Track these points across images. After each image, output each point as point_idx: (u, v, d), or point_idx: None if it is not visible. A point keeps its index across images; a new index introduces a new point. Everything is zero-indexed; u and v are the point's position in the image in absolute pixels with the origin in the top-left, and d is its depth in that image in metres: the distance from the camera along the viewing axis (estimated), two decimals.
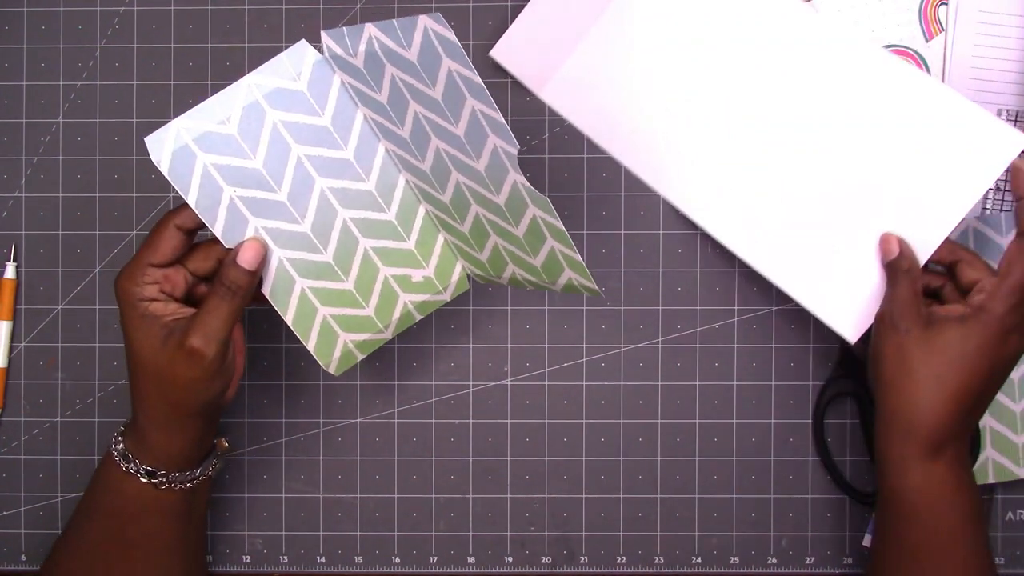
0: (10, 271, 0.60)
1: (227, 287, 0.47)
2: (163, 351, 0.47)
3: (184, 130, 0.47)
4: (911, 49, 0.58)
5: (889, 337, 0.50)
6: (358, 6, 0.60)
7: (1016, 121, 0.57)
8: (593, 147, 0.60)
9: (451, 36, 0.44)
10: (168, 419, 0.49)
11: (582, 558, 0.60)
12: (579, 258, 0.49)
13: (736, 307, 0.60)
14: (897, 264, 0.52)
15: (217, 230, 0.48)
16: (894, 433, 0.50)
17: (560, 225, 0.48)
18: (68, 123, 0.61)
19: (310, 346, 0.52)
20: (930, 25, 0.58)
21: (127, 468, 0.50)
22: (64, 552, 0.52)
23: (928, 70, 0.58)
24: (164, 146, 0.47)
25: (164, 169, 0.47)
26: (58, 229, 0.61)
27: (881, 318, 0.52)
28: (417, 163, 0.51)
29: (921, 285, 0.51)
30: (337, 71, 0.49)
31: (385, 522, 0.60)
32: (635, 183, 0.60)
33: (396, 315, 0.54)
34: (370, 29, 0.46)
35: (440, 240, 0.54)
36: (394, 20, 0.45)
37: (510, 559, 0.60)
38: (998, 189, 0.57)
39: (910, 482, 0.49)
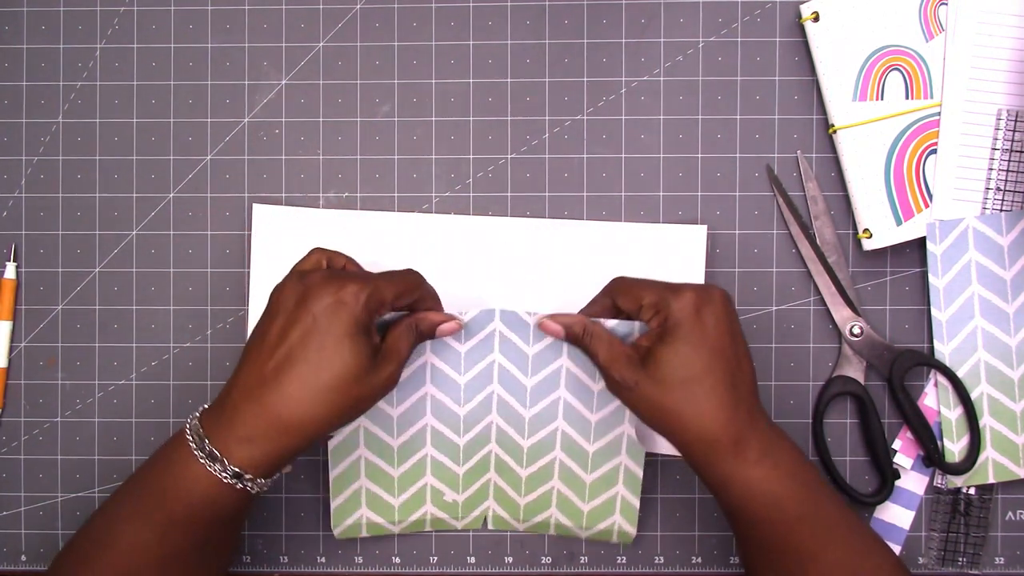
0: (10, 271, 0.60)
1: (419, 334, 0.52)
2: (369, 375, 0.49)
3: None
4: (911, 49, 0.58)
5: (630, 399, 0.50)
6: (358, 6, 0.60)
7: (1016, 121, 0.57)
8: (593, 147, 0.60)
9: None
10: (314, 434, 0.48)
11: (582, 558, 0.60)
12: (637, 504, 0.58)
13: (736, 307, 0.59)
14: (574, 339, 0.53)
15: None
16: (698, 462, 0.50)
17: (640, 473, 0.57)
18: (68, 123, 0.61)
19: (334, 504, 0.58)
20: (930, 25, 0.58)
21: (215, 470, 0.47)
22: (112, 552, 0.48)
23: (928, 70, 0.58)
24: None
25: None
26: (58, 229, 0.61)
27: (613, 388, 0.51)
28: (521, 410, 0.57)
29: (613, 338, 0.51)
30: (500, 328, 0.56)
31: None
32: (635, 183, 0.60)
33: (413, 518, 0.59)
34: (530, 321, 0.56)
35: (485, 478, 0.58)
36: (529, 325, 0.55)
37: (510, 559, 0.60)
38: (998, 189, 0.57)
39: (736, 492, 0.49)
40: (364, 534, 0.59)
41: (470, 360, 0.56)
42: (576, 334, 0.52)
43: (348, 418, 0.49)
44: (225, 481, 0.48)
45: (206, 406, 0.50)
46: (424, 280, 0.53)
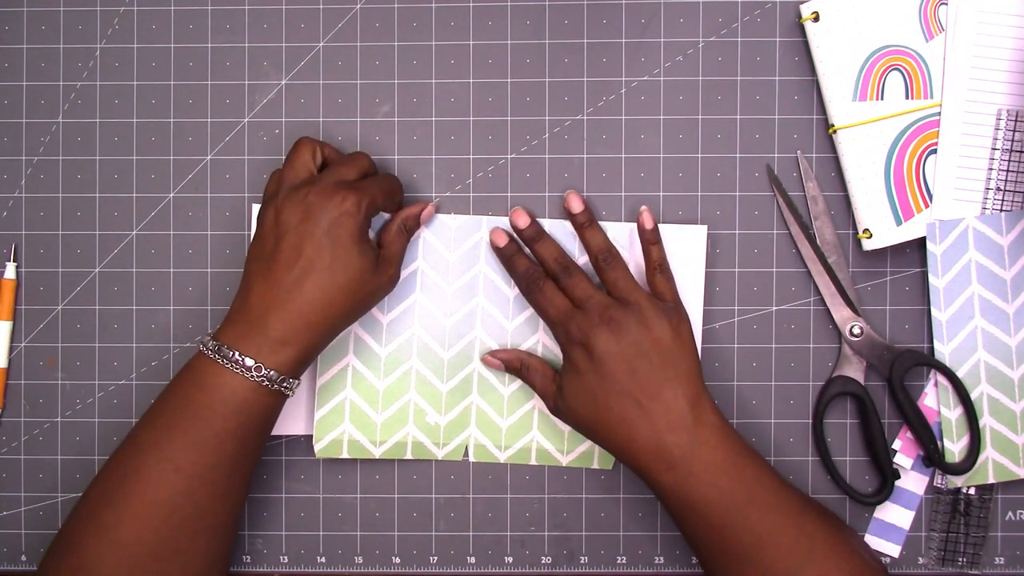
0: (10, 271, 0.60)
1: (407, 230, 0.57)
2: (375, 275, 0.53)
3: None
4: (911, 49, 0.58)
5: (565, 422, 0.56)
6: (358, 6, 0.60)
7: (1016, 121, 0.57)
8: (593, 147, 0.60)
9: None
10: (333, 331, 0.53)
11: (582, 558, 0.60)
12: None
13: (736, 307, 0.60)
14: (514, 372, 0.58)
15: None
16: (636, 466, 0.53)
17: None
18: (68, 123, 0.61)
19: (318, 415, 0.59)
20: (930, 25, 0.58)
21: (251, 375, 0.50)
22: (139, 481, 0.50)
23: (928, 70, 0.58)
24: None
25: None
26: (58, 229, 0.61)
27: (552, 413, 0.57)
28: (504, 322, 0.59)
29: (547, 369, 0.56)
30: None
31: (385, 522, 0.60)
32: (635, 183, 0.60)
33: (394, 439, 0.59)
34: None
35: (467, 401, 0.59)
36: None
37: (510, 559, 0.60)
38: (998, 189, 0.57)
39: (651, 487, 0.53)
40: (345, 454, 0.59)
41: (458, 269, 0.59)
42: (515, 368, 0.57)
43: (360, 313, 0.54)
44: (263, 385, 0.51)
45: (210, 333, 0.53)
46: (401, 184, 0.58)
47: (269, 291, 0.52)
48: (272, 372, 0.51)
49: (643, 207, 0.57)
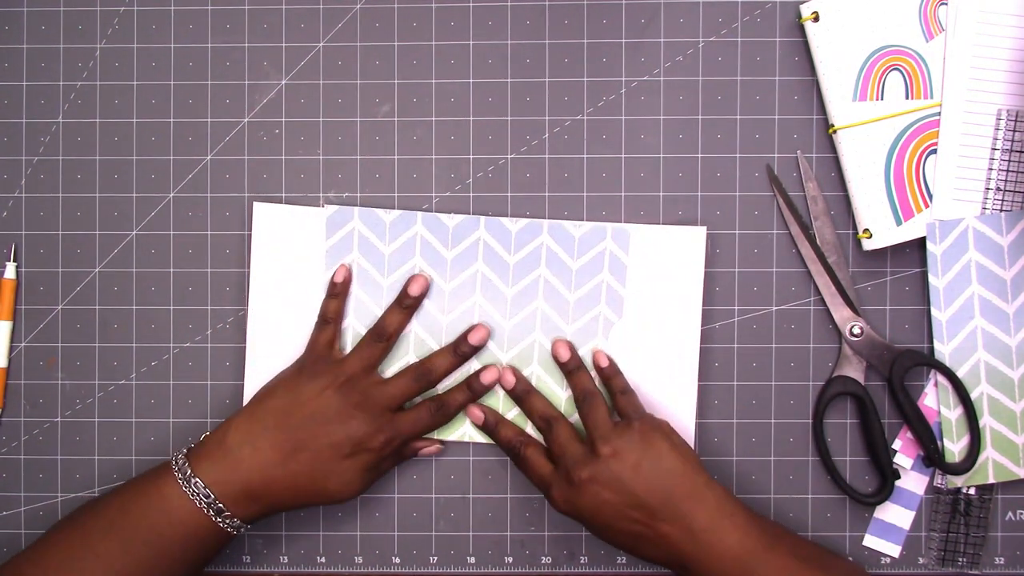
0: (10, 271, 0.60)
1: (401, 460, 0.60)
2: (344, 489, 0.56)
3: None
4: (911, 49, 0.58)
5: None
6: (358, 6, 0.60)
7: (1016, 121, 0.57)
8: (593, 147, 0.60)
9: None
10: (287, 506, 0.55)
11: (582, 558, 0.60)
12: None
13: (736, 307, 0.60)
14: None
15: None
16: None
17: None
18: (68, 123, 0.61)
19: None
20: (930, 25, 0.58)
21: (207, 509, 0.52)
22: (75, 567, 0.52)
23: (928, 70, 0.58)
24: None
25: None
26: (58, 229, 0.61)
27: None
28: (502, 321, 0.59)
29: (544, 466, 0.56)
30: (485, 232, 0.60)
31: (385, 522, 0.60)
32: (635, 183, 0.60)
33: None
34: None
35: None
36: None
37: (510, 559, 0.60)
38: (998, 189, 0.57)
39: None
40: None
41: (456, 268, 0.59)
42: (511, 446, 0.58)
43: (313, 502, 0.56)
44: (215, 522, 0.53)
45: (185, 452, 0.55)
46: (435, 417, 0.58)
47: (260, 444, 0.54)
48: (237, 520, 0.53)
49: (595, 349, 0.59)
